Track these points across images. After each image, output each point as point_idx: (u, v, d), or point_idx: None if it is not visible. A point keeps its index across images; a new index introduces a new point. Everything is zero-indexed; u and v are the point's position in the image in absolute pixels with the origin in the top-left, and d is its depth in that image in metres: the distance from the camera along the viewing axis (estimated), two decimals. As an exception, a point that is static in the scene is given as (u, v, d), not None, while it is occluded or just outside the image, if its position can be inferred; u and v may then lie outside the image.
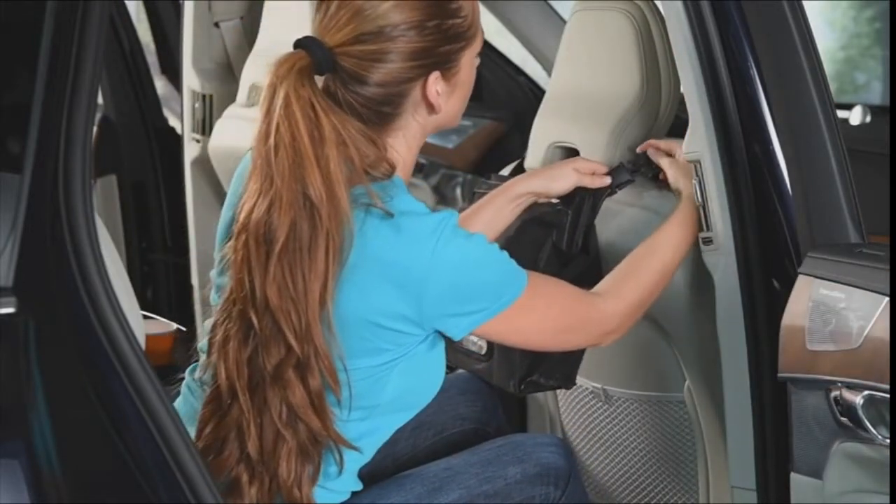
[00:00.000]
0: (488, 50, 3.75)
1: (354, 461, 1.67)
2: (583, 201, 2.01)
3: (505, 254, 1.65)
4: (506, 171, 2.32)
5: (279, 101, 1.55)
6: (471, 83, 1.70)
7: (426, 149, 3.92)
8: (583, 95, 2.12)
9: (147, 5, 3.96)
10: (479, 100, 3.81)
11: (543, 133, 2.19)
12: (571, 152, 2.15)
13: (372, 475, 1.83)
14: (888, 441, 1.66)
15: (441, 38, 1.60)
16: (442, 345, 1.67)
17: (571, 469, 1.83)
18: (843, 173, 1.79)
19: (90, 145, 1.41)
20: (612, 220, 2.05)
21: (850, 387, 1.67)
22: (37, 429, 1.37)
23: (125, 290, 1.48)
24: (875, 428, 1.67)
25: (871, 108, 3.47)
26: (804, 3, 1.83)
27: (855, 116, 3.45)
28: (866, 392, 1.65)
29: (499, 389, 2.09)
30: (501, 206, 2.02)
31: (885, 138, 3.24)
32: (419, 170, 3.78)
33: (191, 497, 1.43)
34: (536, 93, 3.63)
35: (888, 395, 1.63)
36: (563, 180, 2.00)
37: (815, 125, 1.79)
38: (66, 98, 1.39)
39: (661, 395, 2.14)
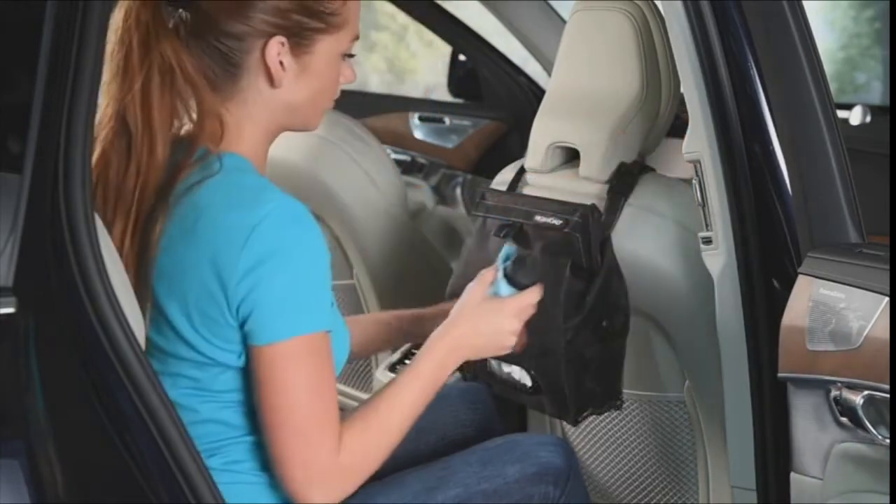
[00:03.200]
0: (488, 50, 3.75)
1: None
2: (586, 220, 1.96)
3: (327, 287, 1.54)
4: (506, 171, 2.31)
5: (121, 14, 1.56)
6: (329, 79, 1.64)
7: (426, 149, 3.93)
8: (583, 95, 2.12)
9: (147, 5, 3.95)
10: (479, 100, 3.81)
11: (543, 133, 2.18)
12: (571, 152, 2.15)
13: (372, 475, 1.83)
14: (888, 441, 1.66)
15: (298, 7, 1.58)
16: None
17: (571, 469, 1.83)
18: (843, 173, 1.79)
19: (90, 145, 1.41)
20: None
21: (850, 387, 1.67)
22: (37, 429, 1.37)
23: (125, 290, 1.48)
24: (875, 428, 1.66)
25: (871, 108, 3.47)
26: (804, 3, 1.83)
27: (855, 116, 3.45)
28: (866, 392, 1.65)
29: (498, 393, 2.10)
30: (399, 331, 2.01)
31: (885, 138, 3.24)
32: (419, 170, 3.77)
33: (191, 497, 1.43)
34: (536, 93, 3.62)
35: (888, 395, 1.63)
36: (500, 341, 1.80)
37: (815, 125, 1.79)
38: (66, 98, 1.39)
39: (661, 395, 2.14)
